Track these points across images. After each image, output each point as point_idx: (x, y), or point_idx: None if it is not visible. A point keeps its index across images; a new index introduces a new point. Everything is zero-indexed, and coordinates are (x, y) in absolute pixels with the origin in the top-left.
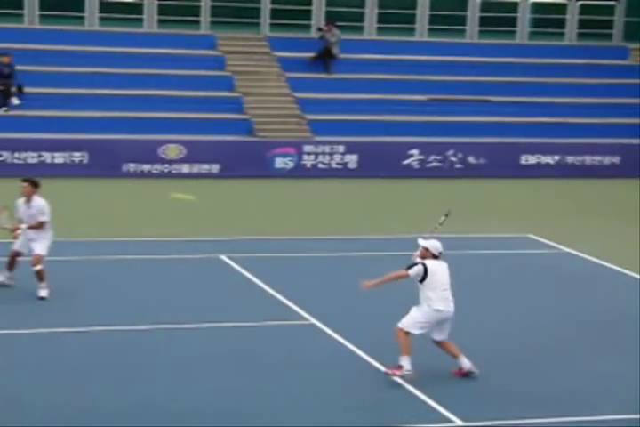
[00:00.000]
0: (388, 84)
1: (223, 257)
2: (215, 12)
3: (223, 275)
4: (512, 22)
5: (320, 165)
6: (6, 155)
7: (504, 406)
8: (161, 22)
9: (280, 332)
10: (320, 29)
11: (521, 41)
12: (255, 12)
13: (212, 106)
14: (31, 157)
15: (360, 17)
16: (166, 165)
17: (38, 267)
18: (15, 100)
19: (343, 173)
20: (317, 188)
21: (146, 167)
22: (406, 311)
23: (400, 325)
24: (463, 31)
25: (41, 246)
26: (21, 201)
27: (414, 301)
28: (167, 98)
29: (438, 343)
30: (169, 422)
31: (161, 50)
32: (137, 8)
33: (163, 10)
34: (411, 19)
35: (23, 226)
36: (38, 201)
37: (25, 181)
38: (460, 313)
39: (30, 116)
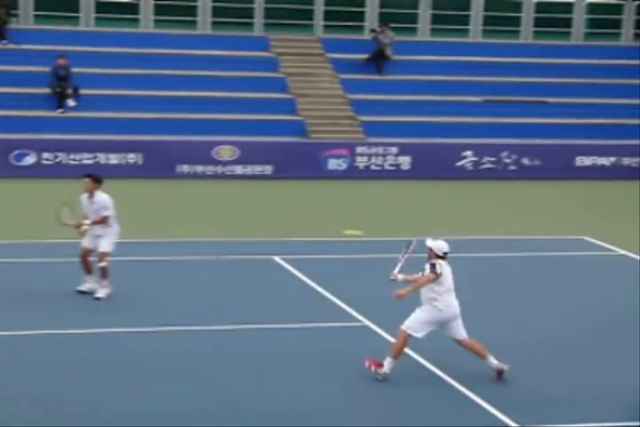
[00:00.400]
0: (441, 86)
1: (277, 258)
2: (269, 13)
3: (277, 276)
4: (567, 23)
5: (373, 167)
6: (62, 156)
7: (561, 409)
8: (215, 24)
9: (333, 333)
10: (373, 31)
11: (576, 42)
12: (309, 14)
13: (265, 107)
14: (86, 158)
15: (414, 18)
16: (220, 167)
17: (103, 264)
18: (71, 102)
19: (396, 174)
20: (370, 189)
21: (199, 168)
22: (464, 318)
23: (403, 327)
24: (517, 32)
25: (106, 243)
26: (84, 197)
27: (466, 303)
28: (221, 99)
29: (460, 343)
30: (230, 422)
31: (214, 52)
32: (191, 10)
33: (217, 12)
34: (465, 20)
35: (87, 222)
36: (101, 196)
37: (87, 176)
38: (516, 314)
39: (86, 118)
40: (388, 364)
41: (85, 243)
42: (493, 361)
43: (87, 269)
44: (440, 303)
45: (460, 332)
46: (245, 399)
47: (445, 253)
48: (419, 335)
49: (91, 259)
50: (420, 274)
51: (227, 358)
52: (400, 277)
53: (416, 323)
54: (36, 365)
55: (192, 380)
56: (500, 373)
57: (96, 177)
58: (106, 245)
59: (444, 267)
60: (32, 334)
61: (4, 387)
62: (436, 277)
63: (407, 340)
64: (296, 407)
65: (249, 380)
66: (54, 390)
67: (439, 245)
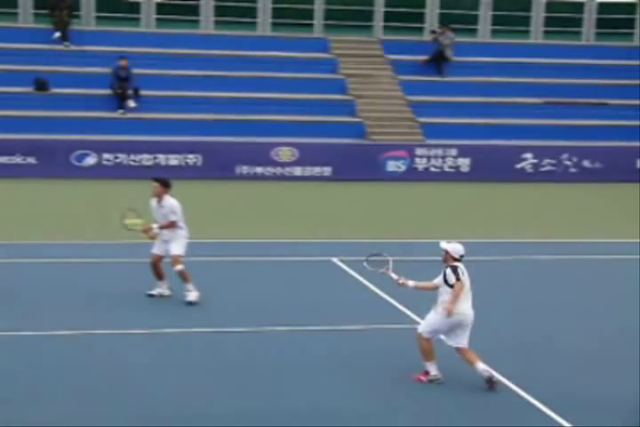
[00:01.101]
0: (502, 87)
1: (335, 260)
2: (328, 14)
3: (335, 278)
4: (630, 24)
5: (432, 169)
6: (122, 157)
7: (615, 412)
8: (274, 25)
9: (391, 335)
10: (434, 32)
11: (639, 43)
12: (368, 15)
13: (324, 109)
14: (146, 160)
15: (474, 19)
16: (279, 168)
17: (178, 267)
18: (131, 103)
19: (455, 176)
20: (429, 191)
21: (258, 170)
22: (519, 315)
23: (419, 330)
24: (579, 33)
25: (176, 246)
26: (154, 201)
27: (527, 305)
28: (280, 101)
29: (458, 350)
30: (289, 422)
31: (274, 53)
32: (251, 11)
33: (276, 13)
34: (525, 21)
35: (155, 226)
36: (169, 201)
37: (156, 180)
38: (586, 316)
39: (146, 119)
40: (429, 368)
41: (155, 249)
42: (483, 367)
43: (158, 275)
44: (457, 308)
45: (463, 340)
46: (301, 401)
47: (462, 256)
48: (433, 337)
49: (162, 264)
50: (441, 278)
51: (284, 360)
52: (411, 283)
53: (430, 327)
54: (109, 364)
55: (259, 379)
56: (490, 382)
57: (164, 181)
58: (176, 248)
59: (464, 270)
60: (105, 334)
61: (87, 386)
62: (462, 285)
63: (428, 341)
64: (352, 407)
65: (304, 381)
66: (134, 389)
67: (456, 248)
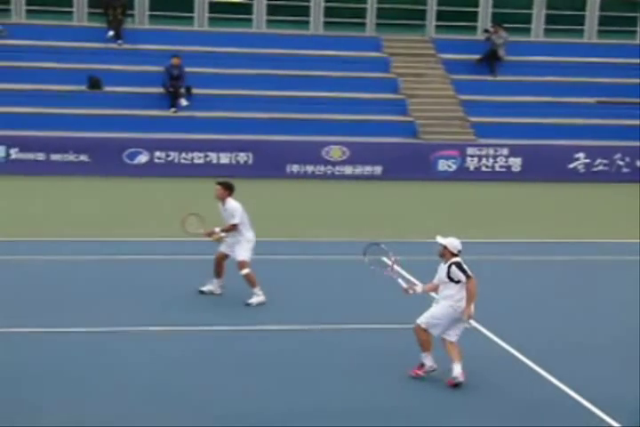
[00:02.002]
0: (554, 87)
1: (384, 259)
2: (381, 13)
3: (383, 277)
4: None
5: (483, 168)
6: (174, 155)
7: None
8: (327, 24)
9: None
10: (486, 31)
11: None
12: (421, 14)
13: (376, 108)
14: (197, 158)
15: (528, 18)
16: (329, 167)
17: (243, 272)
18: (183, 102)
19: (507, 176)
20: (480, 191)
21: (309, 168)
22: (571, 315)
23: (419, 322)
24: (634, 33)
25: (240, 251)
26: (220, 204)
27: (577, 306)
28: (332, 100)
29: (446, 343)
30: (339, 422)
31: (326, 52)
32: (304, 10)
33: (329, 12)
34: (580, 20)
35: (217, 229)
36: (231, 204)
37: (218, 183)
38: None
39: (197, 117)
40: (425, 360)
41: (222, 247)
42: (458, 369)
43: (217, 272)
44: (455, 302)
45: (456, 334)
46: (350, 400)
47: (459, 251)
48: (435, 333)
49: (225, 263)
50: (443, 275)
51: (331, 358)
52: (419, 289)
53: (432, 320)
54: (158, 361)
55: (302, 378)
56: (455, 384)
57: (226, 184)
58: (241, 253)
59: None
60: (155, 331)
61: (136, 385)
62: (473, 282)
63: (426, 332)
64: (400, 404)
65: (352, 378)
66: (184, 388)
67: (454, 243)
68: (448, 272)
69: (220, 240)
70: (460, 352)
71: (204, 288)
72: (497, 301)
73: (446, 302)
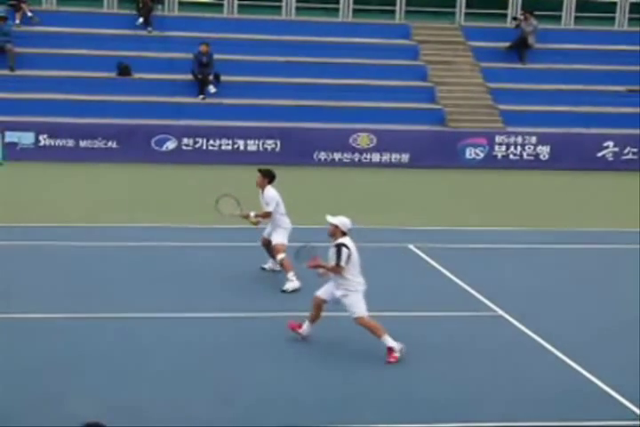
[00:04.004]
0: (584, 75)
1: (411, 246)
2: (410, 1)
3: (411, 264)
4: None
5: (511, 156)
6: (202, 142)
7: None
8: (356, 12)
9: (467, 322)
10: (516, 18)
11: None
12: (450, 1)
13: (404, 95)
14: (225, 145)
15: (558, 6)
16: (357, 154)
17: (278, 257)
18: (212, 89)
19: (535, 164)
20: (508, 179)
21: (337, 156)
22: (598, 303)
23: (353, 315)
24: None
25: (276, 236)
26: (259, 191)
27: (604, 295)
28: (360, 87)
29: (356, 321)
30: (369, 410)
31: (355, 39)
32: None
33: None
34: (611, 7)
35: (252, 214)
36: (268, 192)
37: (258, 171)
38: None
39: (226, 104)
40: (389, 343)
41: (265, 233)
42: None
43: (270, 253)
44: (359, 278)
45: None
46: (381, 386)
47: (349, 230)
48: (367, 314)
49: (272, 246)
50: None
51: (361, 346)
52: (313, 263)
53: (362, 307)
54: (195, 347)
55: (339, 365)
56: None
57: (265, 172)
58: (276, 238)
59: (352, 244)
60: (194, 317)
61: (175, 369)
62: (341, 269)
63: (368, 319)
64: (429, 394)
65: (380, 366)
66: (222, 373)
67: (344, 222)
68: (330, 251)
69: (255, 224)
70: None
71: (265, 265)
72: (523, 289)
73: (350, 285)
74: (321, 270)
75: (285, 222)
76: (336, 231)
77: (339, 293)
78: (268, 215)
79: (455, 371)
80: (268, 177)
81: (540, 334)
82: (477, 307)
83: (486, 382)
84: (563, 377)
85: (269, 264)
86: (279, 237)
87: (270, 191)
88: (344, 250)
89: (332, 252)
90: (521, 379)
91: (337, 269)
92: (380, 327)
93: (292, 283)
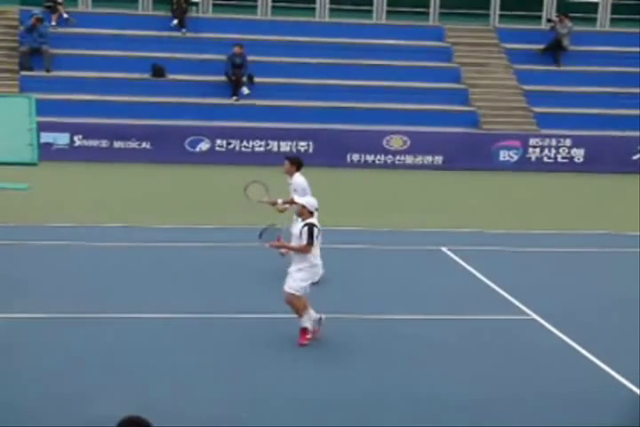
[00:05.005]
0: (619, 77)
1: (444, 249)
2: (444, 3)
3: (444, 267)
4: None
5: (545, 159)
6: (235, 143)
7: None
8: (390, 13)
9: (500, 326)
10: (551, 20)
11: None
12: (484, 3)
13: (437, 97)
14: (258, 146)
15: (593, 8)
16: (390, 156)
17: None
18: (245, 90)
19: (569, 167)
20: (542, 181)
21: (369, 158)
22: (636, 313)
23: (289, 290)
24: None
25: (298, 225)
26: (287, 178)
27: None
28: (393, 89)
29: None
30: (395, 410)
31: (389, 41)
32: (366, 0)
33: (392, 1)
34: None
35: (280, 201)
36: (296, 179)
37: (286, 158)
38: None
39: (259, 106)
40: (305, 323)
41: (290, 227)
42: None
43: None
44: (317, 259)
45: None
46: (411, 387)
47: (317, 209)
48: (303, 294)
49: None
50: (298, 233)
51: (392, 348)
52: (275, 244)
53: (301, 286)
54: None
55: (360, 367)
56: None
57: (293, 159)
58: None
59: (318, 224)
60: (218, 318)
61: (203, 372)
62: (311, 248)
63: (299, 298)
64: (461, 396)
65: (415, 368)
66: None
67: (311, 202)
68: (301, 231)
69: (282, 211)
70: (305, 303)
71: None
72: (556, 293)
73: (306, 262)
74: (284, 250)
75: None
76: (304, 211)
77: (293, 268)
78: (295, 202)
79: (487, 373)
80: (296, 164)
81: (573, 337)
82: (510, 310)
83: (518, 385)
84: (596, 381)
85: None
86: None
87: (298, 178)
88: (315, 229)
89: (303, 231)
90: (553, 382)
91: (307, 249)
92: (305, 309)
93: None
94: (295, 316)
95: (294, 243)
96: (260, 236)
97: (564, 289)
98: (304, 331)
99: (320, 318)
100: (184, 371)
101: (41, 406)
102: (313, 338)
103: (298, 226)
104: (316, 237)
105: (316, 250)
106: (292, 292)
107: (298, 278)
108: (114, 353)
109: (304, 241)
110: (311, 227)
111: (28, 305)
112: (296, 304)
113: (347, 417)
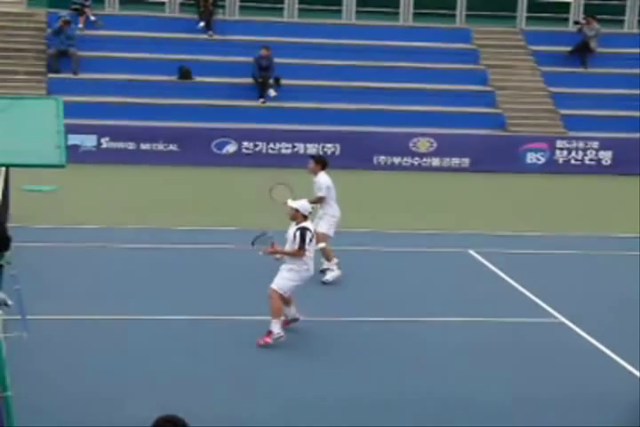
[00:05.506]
0: None
1: (471, 252)
2: (470, 5)
3: (471, 269)
4: None
5: (573, 161)
6: (262, 145)
7: None
8: (416, 15)
9: (529, 329)
10: (578, 23)
11: None
12: (511, 5)
13: (464, 100)
14: (285, 148)
15: (621, 10)
16: (416, 158)
17: (320, 245)
18: (272, 92)
19: (596, 169)
20: (569, 184)
21: (396, 160)
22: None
23: (275, 286)
24: None
25: (322, 224)
26: (312, 177)
27: None
28: (420, 91)
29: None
30: (415, 412)
31: (415, 43)
32: (393, 2)
33: (418, 3)
34: None
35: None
36: (320, 177)
37: (311, 157)
38: None
39: (286, 108)
40: (274, 327)
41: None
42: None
43: (322, 253)
44: (309, 264)
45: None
46: (440, 389)
47: (310, 213)
48: (287, 294)
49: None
50: (291, 236)
51: (422, 350)
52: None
53: (288, 284)
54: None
55: (391, 369)
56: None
57: (317, 158)
58: (323, 227)
59: (313, 228)
60: (241, 320)
61: (223, 373)
62: (304, 252)
63: (281, 298)
64: (490, 397)
65: (442, 370)
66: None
67: (305, 206)
68: (295, 234)
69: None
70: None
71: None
72: (584, 296)
73: (296, 264)
74: (278, 255)
75: (335, 210)
76: (297, 215)
77: (285, 267)
78: (320, 200)
79: (515, 375)
80: (321, 163)
81: (602, 340)
82: (539, 313)
83: (546, 388)
84: (625, 384)
85: (325, 265)
86: (325, 227)
87: (323, 177)
88: (308, 233)
89: (296, 235)
90: (582, 385)
91: (300, 253)
92: (280, 314)
93: (334, 272)
94: (320, 319)
95: (288, 246)
96: (253, 243)
97: (593, 292)
98: (269, 333)
99: (297, 319)
100: (209, 372)
101: (68, 408)
102: (275, 339)
103: (291, 229)
104: (309, 242)
105: (309, 254)
106: (276, 288)
107: (286, 277)
108: (142, 355)
109: (296, 245)
110: (304, 231)
111: (55, 306)
112: (274, 303)
113: (371, 417)
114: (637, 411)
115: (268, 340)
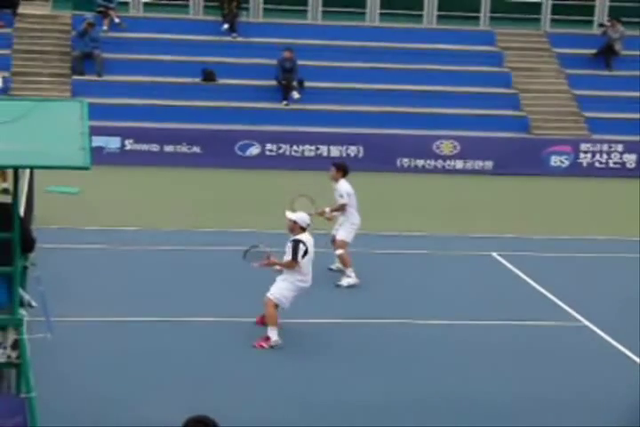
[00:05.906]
0: None
1: (495, 255)
2: (495, 7)
3: (495, 272)
4: None
5: (597, 164)
6: (285, 147)
7: None
8: (440, 18)
9: (552, 332)
10: (602, 25)
11: None
12: (536, 8)
13: (488, 102)
14: (308, 150)
15: None
16: (440, 161)
17: (338, 251)
18: (295, 95)
19: (621, 172)
20: (593, 187)
21: (420, 162)
22: None
23: (269, 295)
24: None
25: (342, 231)
26: (333, 184)
27: None
28: (444, 93)
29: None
30: (433, 414)
31: (439, 46)
32: (417, 4)
33: (443, 6)
34: None
35: (327, 209)
36: (342, 185)
37: (333, 164)
38: None
39: (309, 110)
40: (271, 333)
41: (334, 230)
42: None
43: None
44: (306, 276)
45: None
46: (464, 391)
47: (308, 225)
48: (285, 306)
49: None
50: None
51: (445, 352)
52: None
53: (283, 294)
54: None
55: (414, 371)
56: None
57: (339, 165)
58: (342, 233)
59: (310, 241)
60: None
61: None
62: (296, 264)
63: (276, 307)
64: (511, 400)
65: (466, 372)
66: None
67: (303, 218)
68: (288, 247)
69: (330, 219)
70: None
71: (333, 266)
72: (609, 300)
73: (292, 276)
74: (277, 267)
75: (355, 217)
76: (295, 227)
77: (281, 277)
78: (342, 208)
79: (537, 378)
80: (342, 170)
81: (625, 345)
82: (562, 316)
83: (569, 391)
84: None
85: (337, 265)
86: (344, 233)
87: (344, 184)
88: (300, 246)
89: (289, 247)
90: (605, 389)
91: (292, 265)
92: (276, 321)
93: (350, 279)
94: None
95: (285, 257)
96: (244, 256)
97: (617, 295)
98: (266, 339)
99: (277, 343)
100: (234, 373)
101: (87, 409)
102: (272, 346)
103: (289, 244)
104: (303, 254)
105: (306, 266)
106: (270, 297)
107: (282, 287)
108: (165, 356)
109: (289, 256)
110: (297, 243)
111: (79, 308)
112: (268, 311)
113: (402, 418)
114: (637, 411)
115: (264, 344)
